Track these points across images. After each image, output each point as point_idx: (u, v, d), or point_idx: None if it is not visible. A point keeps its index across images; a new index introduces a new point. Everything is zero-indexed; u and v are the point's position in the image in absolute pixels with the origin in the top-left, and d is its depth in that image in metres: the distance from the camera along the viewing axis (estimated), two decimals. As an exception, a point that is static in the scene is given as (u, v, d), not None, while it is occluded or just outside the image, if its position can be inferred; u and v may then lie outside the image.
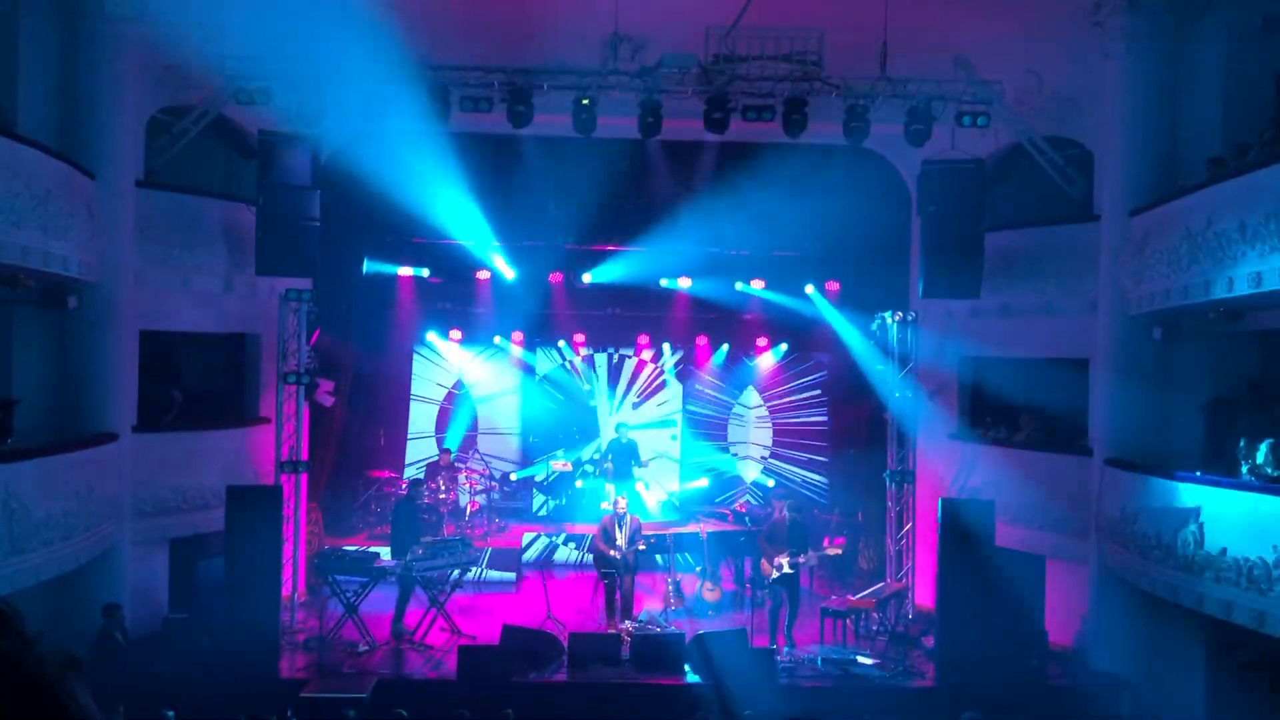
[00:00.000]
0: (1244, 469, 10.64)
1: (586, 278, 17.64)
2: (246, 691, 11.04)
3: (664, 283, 17.97)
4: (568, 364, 19.24)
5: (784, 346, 18.86)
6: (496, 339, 18.73)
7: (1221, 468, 11.07)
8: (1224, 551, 10.17)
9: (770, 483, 18.55)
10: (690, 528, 15.38)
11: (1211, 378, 12.40)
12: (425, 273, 17.53)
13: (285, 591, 13.36)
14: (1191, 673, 11.90)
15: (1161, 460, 12.12)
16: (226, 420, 14.74)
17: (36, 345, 12.44)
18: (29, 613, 1.99)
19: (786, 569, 13.00)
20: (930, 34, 13.23)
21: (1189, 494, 10.85)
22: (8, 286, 11.26)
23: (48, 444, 11.49)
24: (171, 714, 9.23)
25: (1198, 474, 11.06)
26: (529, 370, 19.13)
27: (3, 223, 9.99)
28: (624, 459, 17.38)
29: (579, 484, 18.51)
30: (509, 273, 17.60)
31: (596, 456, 18.27)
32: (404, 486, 15.81)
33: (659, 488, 18.18)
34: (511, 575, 16.07)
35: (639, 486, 17.64)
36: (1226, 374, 12.26)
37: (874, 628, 13.82)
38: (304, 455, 14.33)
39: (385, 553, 14.02)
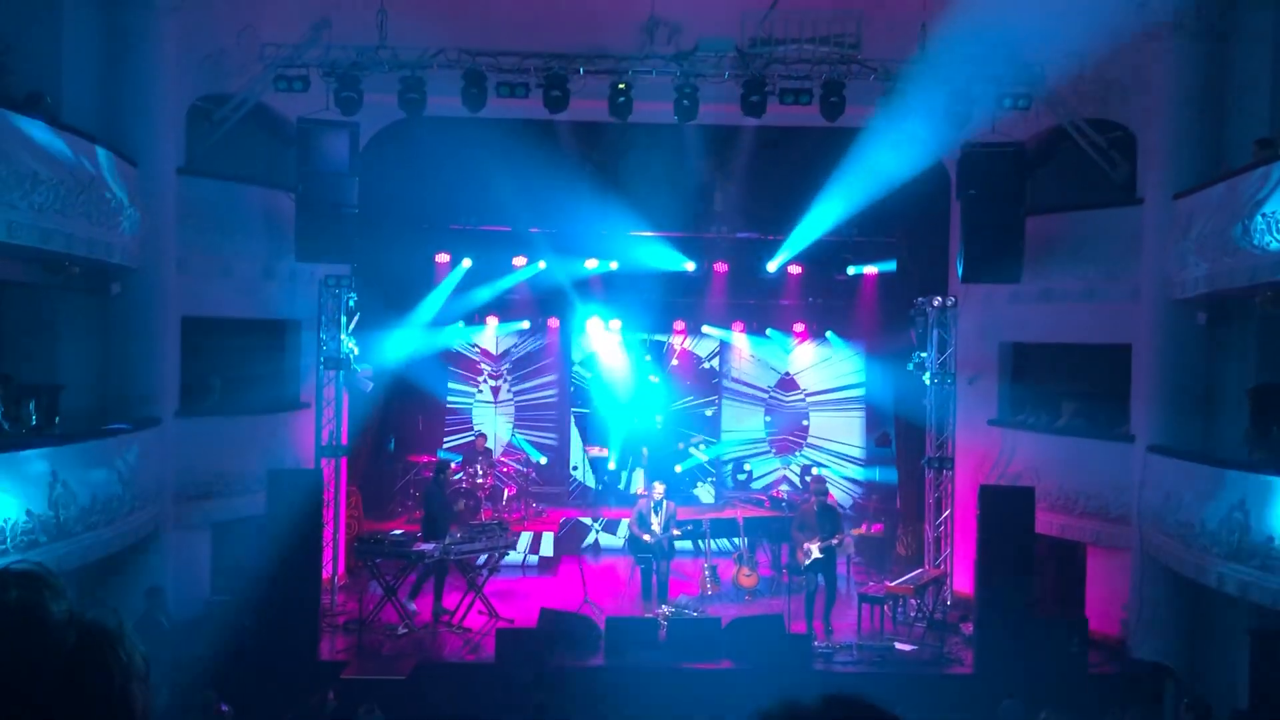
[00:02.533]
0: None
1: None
2: (288, 673, 11.21)
3: (689, 266, 17.86)
4: (607, 350, 19.27)
5: (827, 333, 18.76)
6: (525, 324, 18.80)
7: (1268, 454, 10.88)
8: (1270, 539, 10.01)
9: (816, 470, 18.46)
10: (727, 513, 15.36)
11: (1258, 363, 12.17)
12: (466, 261, 17.55)
13: (325, 574, 13.51)
14: (1236, 661, 11.74)
15: (1205, 447, 11.95)
16: (267, 405, 14.87)
17: (81, 331, 12.59)
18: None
19: (817, 554, 12.94)
20: (970, 15, 13.04)
21: (1234, 481, 10.68)
22: (52, 273, 11.43)
23: (92, 428, 11.66)
24: (215, 696, 9.36)
25: (1243, 461, 10.89)
26: (567, 353, 19.15)
27: (47, 210, 10.11)
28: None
29: (611, 465, 18.57)
30: (543, 260, 17.65)
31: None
32: (431, 469, 15.76)
33: None
34: (549, 559, 16.15)
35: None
36: (1273, 359, 12.03)
37: (912, 614, 13.73)
38: (344, 440, 14.45)
39: (424, 536, 14.11)
